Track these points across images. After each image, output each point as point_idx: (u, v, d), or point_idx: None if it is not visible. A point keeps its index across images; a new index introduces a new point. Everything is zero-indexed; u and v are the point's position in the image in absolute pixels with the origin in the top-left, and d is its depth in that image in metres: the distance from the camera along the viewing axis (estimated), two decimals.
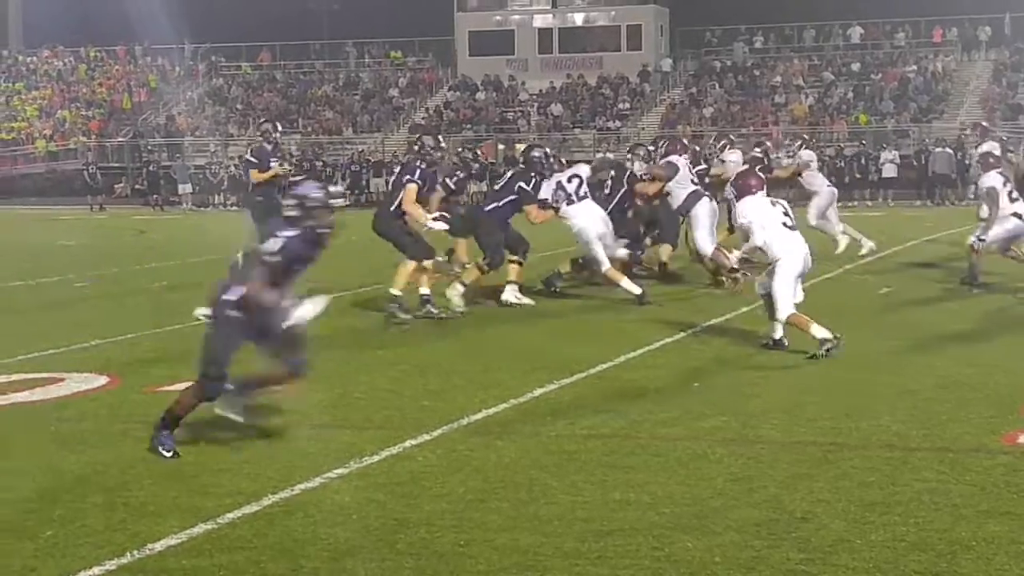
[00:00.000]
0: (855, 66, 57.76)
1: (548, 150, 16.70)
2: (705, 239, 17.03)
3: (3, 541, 6.49)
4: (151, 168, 53.00)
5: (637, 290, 15.54)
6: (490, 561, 6.10)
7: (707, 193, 17.60)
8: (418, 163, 14.74)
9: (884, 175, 45.48)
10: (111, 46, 69.29)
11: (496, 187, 16.37)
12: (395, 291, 14.43)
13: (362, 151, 52.62)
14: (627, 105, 58.04)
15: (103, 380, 10.97)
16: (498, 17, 63.78)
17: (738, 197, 12.53)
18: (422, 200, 14.49)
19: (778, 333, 11.98)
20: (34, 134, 62.60)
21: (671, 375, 10.93)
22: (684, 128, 50.82)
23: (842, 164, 46.45)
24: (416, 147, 15.08)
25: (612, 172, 17.71)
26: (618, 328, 13.74)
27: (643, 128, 54.10)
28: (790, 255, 11.84)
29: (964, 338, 12.56)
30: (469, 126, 56.91)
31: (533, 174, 15.79)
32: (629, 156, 18.89)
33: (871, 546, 6.21)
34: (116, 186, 55.74)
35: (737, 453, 8.00)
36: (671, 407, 9.41)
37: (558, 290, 16.70)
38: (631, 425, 8.93)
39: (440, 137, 15.97)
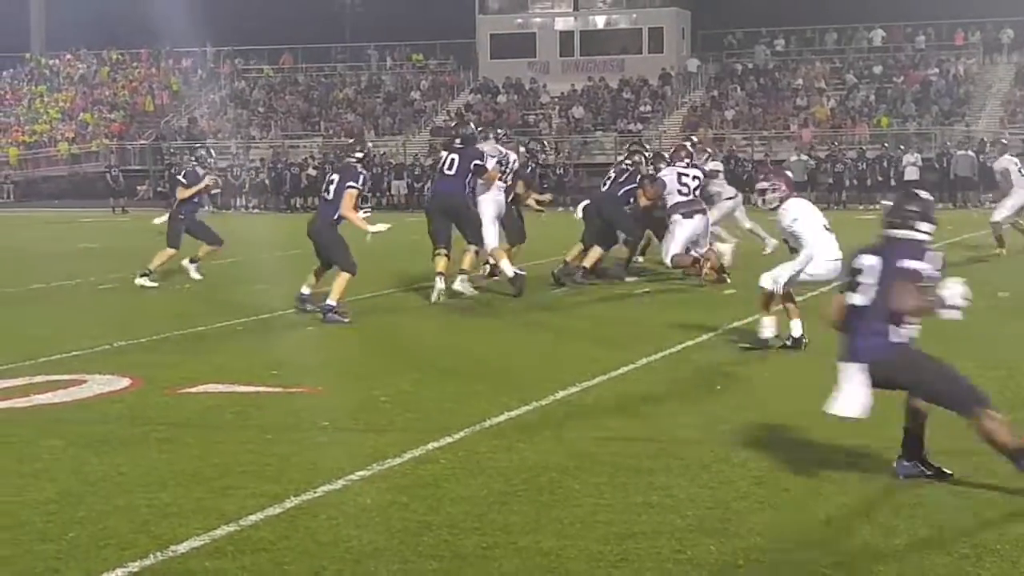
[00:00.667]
0: (877, 69, 57.59)
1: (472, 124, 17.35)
2: (673, 246, 17.16)
3: (26, 542, 6.49)
4: (173, 171, 52.99)
5: (511, 272, 16.26)
6: (513, 563, 6.10)
7: (699, 206, 17.56)
8: (360, 169, 14.74)
9: (906, 178, 45.36)
10: (133, 49, 69.59)
11: (451, 173, 16.12)
12: (331, 301, 14.39)
13: (383, 154, 52.65)
14: (648, 108, 57.98)
15: (125, 382, 10.97)
16: (519, 20, 63.78)
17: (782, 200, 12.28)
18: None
19: (796, 331, 12.03)
20: (56, 137, 62.90)
21: (692, 378, 10.91)
22: (705, 131, 50.79)
23: (864, 167, 46.42)
24: (362, 153, 15.03)
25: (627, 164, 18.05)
26: (638, 331, 13.72)
27: (664, 131, 54.02)
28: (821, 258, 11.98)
29: (985, 340, 12.48)
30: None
31: (476, 146, 16.27)
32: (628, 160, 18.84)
33: (895, 549, 6.19)
34: (138, 188, 55.95)
35: (760, 456, 7.98)
36: (693, 410, 9.39)
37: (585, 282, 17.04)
38: (652, 428, 8.91)
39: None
